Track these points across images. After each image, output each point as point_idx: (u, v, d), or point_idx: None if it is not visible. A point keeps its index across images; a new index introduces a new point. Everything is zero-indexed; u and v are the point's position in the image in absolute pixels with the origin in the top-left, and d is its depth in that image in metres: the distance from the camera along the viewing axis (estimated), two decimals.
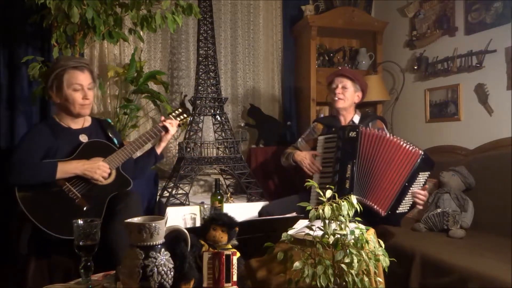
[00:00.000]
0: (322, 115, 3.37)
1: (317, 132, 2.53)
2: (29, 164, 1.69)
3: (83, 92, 1.82)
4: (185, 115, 2.12)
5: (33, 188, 1.68)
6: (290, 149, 2.57)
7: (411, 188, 2.08)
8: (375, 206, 2.07)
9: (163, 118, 2.06)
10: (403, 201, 2.08)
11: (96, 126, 1.98)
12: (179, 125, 2.11)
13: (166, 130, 2.03)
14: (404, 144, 2.09)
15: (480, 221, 2.24)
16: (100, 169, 1.76)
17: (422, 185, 2.11)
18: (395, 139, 2.11)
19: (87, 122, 1.95)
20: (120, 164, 1.86)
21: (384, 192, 2.07)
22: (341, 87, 2.42)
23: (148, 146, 2.15)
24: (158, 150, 2.09)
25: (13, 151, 1.77)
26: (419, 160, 2.06)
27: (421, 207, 2.14)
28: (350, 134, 2.15)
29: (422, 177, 2.11)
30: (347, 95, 2.41)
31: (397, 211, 2.08)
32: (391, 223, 2.12)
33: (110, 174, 1.82)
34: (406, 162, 2.07)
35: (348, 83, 2.41)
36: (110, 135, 1.97)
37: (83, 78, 1.82)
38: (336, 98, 2.42)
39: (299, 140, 2.63)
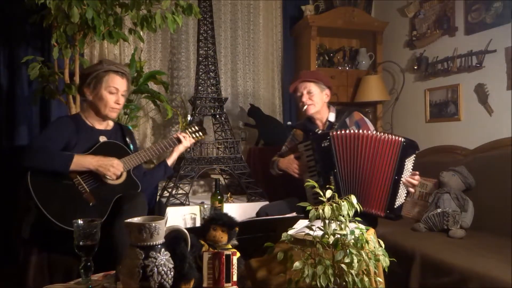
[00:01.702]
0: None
1: (298, 138, 2.46)
2: (47, 150, 1.73)
3: (117, 96, 1.91)
4: (200, 133, 2.16)
5: (45, 175, 1.71)
6: (275, 158, 2.52)
7: (402, 179, 2.01)
8: (373, 210, 2.02)
9: (179, 132, 2.12)
10: (398, 195, 2.02)
11: (117, 130, 2.05)
12: (194, 142, 2.16)
13: (180, 142, 2.09)
14: (381, 136, 2.01)
15: (480, 221, 2.24)
16: (113, 167, 1.80)
17: (411, 170, 2.04)
18: (371, 134, 2.02)
19: (109, 125, 2.02)
20: (132, 167, 1.90)
21: (377, 193, 2.01)
22: (306, 92, 2.32)
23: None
24: (169, 162, 2.13)
25: (35, 136, 1.81)
26: (401, 148, 1.99)
27: (412, 190, 2.07)
28: (323, 144, 2.07)
29: (409, 162, 2.04)
30: (315, 99, 2.32)
31: (395, 206, 2.03)
32: (392, 219, 2.09)
33: (121, 175, 1.86)
34: (389, 154, 1.99)
35: (312, 87, 2.32)
36: (128, 141, 2.03)
37: (121, 84, 1.91)
38: (306, 106, 2.33)
39: (283, 148, 2.57)
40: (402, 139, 2.01)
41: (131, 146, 2.02)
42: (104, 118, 1.95)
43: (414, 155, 2.06)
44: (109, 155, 1.84)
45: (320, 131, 2.30)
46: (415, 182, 2.04)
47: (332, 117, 2.38)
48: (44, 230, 1.71)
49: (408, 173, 2.05)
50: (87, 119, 1.94)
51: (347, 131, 2.07)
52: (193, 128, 2.15)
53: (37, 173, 1.70)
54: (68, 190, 1.74)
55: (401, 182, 2.02)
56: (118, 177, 1.84)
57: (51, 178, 1.72)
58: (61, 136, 1.81)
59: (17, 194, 1.78)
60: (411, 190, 2.07)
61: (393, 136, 2.02)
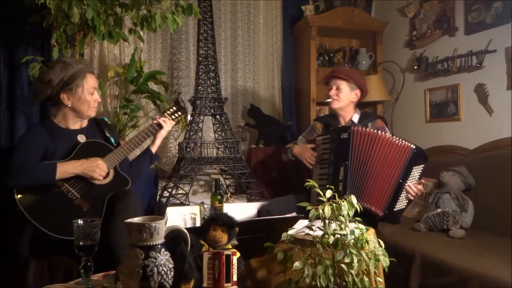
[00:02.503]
0: (321, 115, 3.37)
1: (316, 131, 2.53)
2: (28, 166, 1.69)
3: (95, 95, 1.90)
4: (179, 113, 2.11)
5: (31, 189, 1.68)
6: (290, 145, 2.58)
7: (406, 184, 2.07)
8: (372, 208, 2.05)
9: (158, 116, 2.09)
10: (400, 198, 2.07)
11: (93, 125, 2.00)
12: (175, 123, 2.12)
13: (160, 127, 2.05)
14: (395, 141, 2.08)
15: (480, 221, 2.24)
16: (99, 168, 1.77)
17: (417, 179, 2.10)
18: (387, 137, 2.09)
19: (84, 122, 1.96)
20: (117, 163, 1.87)
21: (379, 192, 2.06)
22: (335, 88, 2.41)
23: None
24: (153, 149, 2.09)
25: (11, 154, 1.77)
26: (410, 154, 2.06)
27: (412, 198, 2.13)
28: (342, 136, 2.14)
29: (416, 171, 2.10)
30: (342, 96, 2.40)
31: (395, 209, 2.07)
32: (390, 221, 2.12)
33: (108, 174, 1.83)
34: (398, 158, 2.06)
35: (343, 84, 2.40)
36: (108, 134, 1.99)
37: (95, 82, 1.91)
38: (331, 99, 2.43)
39: (300, 137, 2.64)
40: (414, 146, 2.08)
41: (112, 140, 1.98)
42: (86, 118, 1.92)
43: (423, 165, 2.12)
44: (92, 155, 1.81)
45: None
46: (415, 190, 2.08)
47: (356, 118, 2.46)
48: (42, 242, 1.69)
49: (414, 180, 2.10)
50: (60, 122, 1.89)
51: (367, 129, 2.14)
52: (171, 110, 2.10)
53: (23, 190, 1.68)
54: (58, 200, 1.72)
55: (405, 187, 2.07)
56: (106, 176, 1.82)
57: (38, 192, 1.69)
58: (38, 147, 1.77)
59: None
60: (410, 197, 2.11)
61: (406, 142, 2.09)
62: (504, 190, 2.20)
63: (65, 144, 1.83)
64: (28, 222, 1.65)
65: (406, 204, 2.10)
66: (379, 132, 2.14)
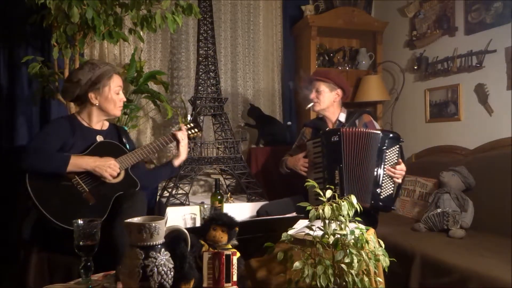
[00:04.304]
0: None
1: (306, 136, 2.53)
2: (43, 152, 1.73)
3: (121, 94, 1.96)
4: (196, 130, 2.17)
5: (43, 177, 1.71)
6: (286, 157, 2.58)
7: (384, 169, 2.07)
8: (363, 204, 2.05)
9: (174, 129, 2.15)
10: (382, 185, 2.06)
11: (113, 130, 2.06)
12: (189, 138, 2.15)
13: (175, 139, 2.07)
14: (367, 131, 2.10)
15: (480, 221, 2.24)
16: (110, 168, 1.81)
17: (395, 161, 2.10)
18: (364, 130, 2.11)
19: (105, 125, 2.03)
20: (129, 165, 1.91)
21: (364, 186, 2.06)
22: (315, 91, 2.42)
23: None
24: (176, 162, 2.11)
25: (31, 138, 1.82)
26: (379, 140, 2.07)
27: (399, 181, 2.11)
28: (332, 139, 2.14)
29: (391, 153, 2.10)
30: (322, 98, 2.40)
31: (381, 196, 2.06)
32: (382, 210, 2.13)
33: (119, 174, 1.87)
34: (371, 146, 2.08)
35: (322, 86, 2.40)
36: (124, 141, 2.04)
37: (121, 82, 1.97)
38: (312, 103, 2.43)
39: (293, 147, 2.63)
40: (379, 132, 2.11)
41: (127, 146, 2.03)
42: (112, 116, 1.99)
43: (398, 146, 2.12)
44: (106, 154, 1.85)
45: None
46: (396, 171, 2.08)
47: (342, 117, 2.45)
48: (44, 230, 1.72)
49: (390, 163, 2.10)
50: (84, 120, 1.94)
51: (356, 129, 2.15)
52: (189, 126, 2.15)
53: (35, 175, 1.70)
54: (67, 190, 1.75)
55: (383, 172, 2.07)
56: (116, 176, 1.85)
57: (49, 179, 1.72)
58: (57, 137, 1.82)
59: (16, 194, 1.78)
60: (396, 180, 2.11)
61: (373, 130, 2.12)
62: (504, 190, 2.20)
63: (83, 141, 1.88)
64: (35, 207, 1.68)
65: (392, 188, 2.09)
66: (367, 129, 2.15)
